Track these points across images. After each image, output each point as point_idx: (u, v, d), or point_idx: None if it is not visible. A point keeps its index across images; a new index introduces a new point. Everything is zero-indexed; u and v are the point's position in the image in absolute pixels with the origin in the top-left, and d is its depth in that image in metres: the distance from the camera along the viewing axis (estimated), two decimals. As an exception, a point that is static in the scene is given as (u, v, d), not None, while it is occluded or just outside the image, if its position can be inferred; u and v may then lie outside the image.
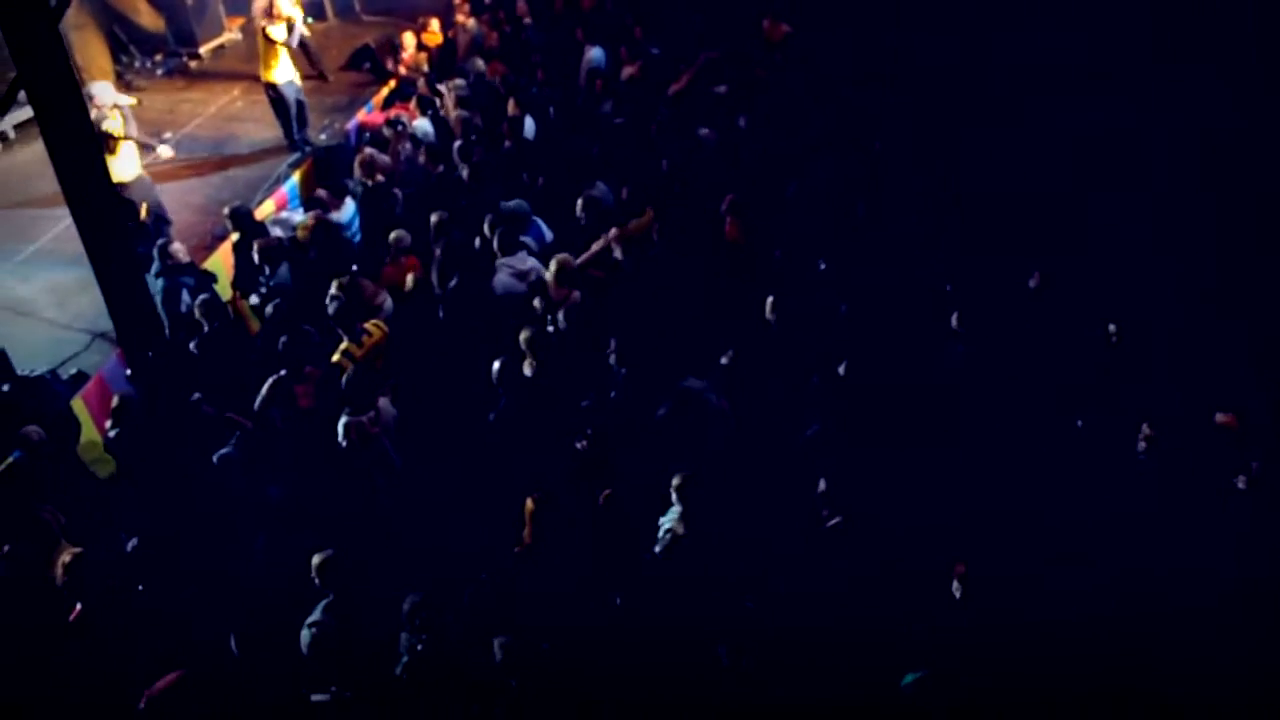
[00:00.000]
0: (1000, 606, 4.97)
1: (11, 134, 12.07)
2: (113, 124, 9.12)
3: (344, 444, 6.23)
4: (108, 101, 9.18)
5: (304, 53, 12.64)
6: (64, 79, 4.47)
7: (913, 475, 5.65)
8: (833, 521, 5.35)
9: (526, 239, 7.86)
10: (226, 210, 8.86)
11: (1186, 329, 6.54)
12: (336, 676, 4.74)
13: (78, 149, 4.69)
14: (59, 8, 3.85)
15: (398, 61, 12.24)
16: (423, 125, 10.25)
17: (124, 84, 13.26)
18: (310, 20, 12.50)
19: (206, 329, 7.34)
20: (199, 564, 5.61)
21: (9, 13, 4.13)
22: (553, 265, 7.19)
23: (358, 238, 8.83)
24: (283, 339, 6.72)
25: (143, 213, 9.51)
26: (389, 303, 7.41)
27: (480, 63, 11.15)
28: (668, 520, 5.58)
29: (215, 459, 6.12)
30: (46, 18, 4.21)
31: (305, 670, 4.81)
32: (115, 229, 5.09)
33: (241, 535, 5.91)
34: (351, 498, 6.15)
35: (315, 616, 4.93)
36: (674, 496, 5.53)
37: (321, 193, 9.00)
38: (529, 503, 5.46)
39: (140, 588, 5.55)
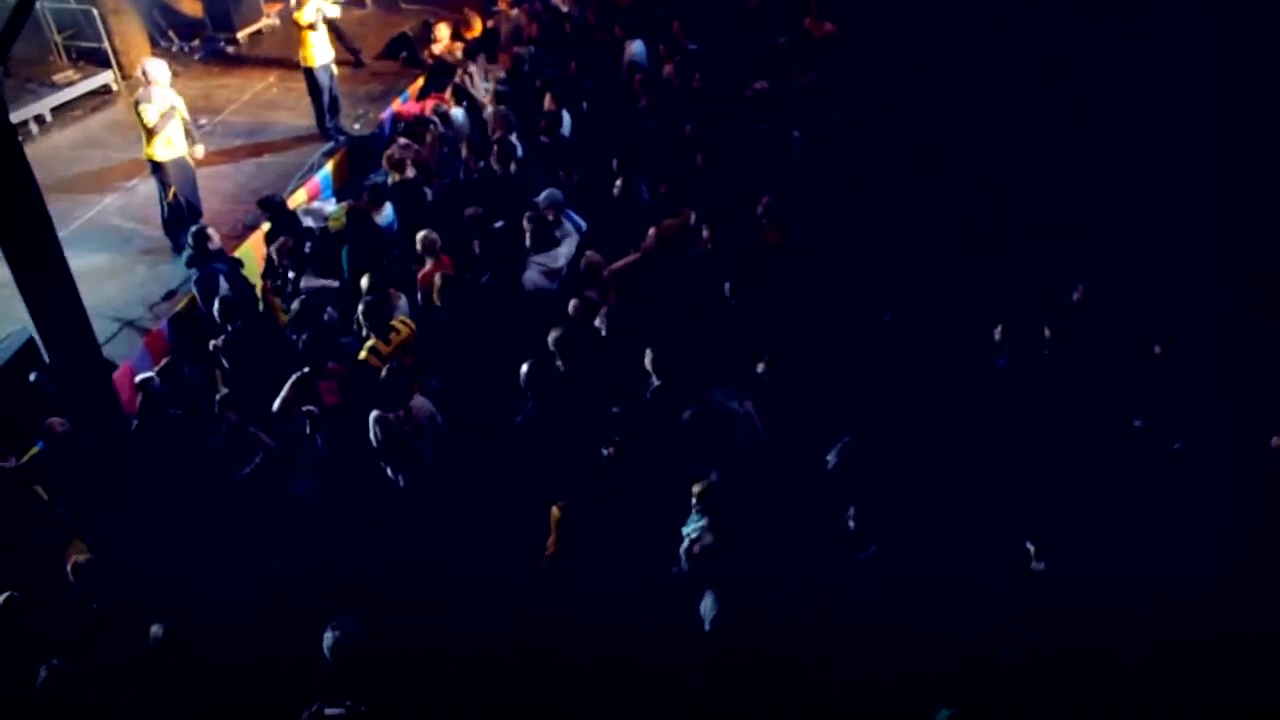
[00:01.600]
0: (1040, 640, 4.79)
1: (48, 116, 12.10)
2: (146, 108, 9.12)
3: (374, 441, 6.15)
4: (158, 80, 9.19)
5: (337, 37, 12.60)
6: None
7: (948, 491, 5.49)
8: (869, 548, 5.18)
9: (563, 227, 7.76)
10: (259, 199, 8.81)
11: (1238, 345, 6.31)
12: (355, 686, 4.63)
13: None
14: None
15: (433, 51, 12.12)
16: (457, 114, 10.13)
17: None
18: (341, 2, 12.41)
19: (233, 326, 7.26)
20: (210, 565, 5.52)
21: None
22: (585, 262, 7.07)
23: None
24: (304, 335, 6.63)
25: (170, 194, 9.54)
26: (403, 301, 7.31)
27: (520, 51, 11.02)
28: (690, 529, 5.44)
29: (235, 478, 6.03)
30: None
31: (319, 682, 4.70)
32: (42, 239, 4.90)
33: (259, 537, 5.82)
34: (378, 497, 6.05)
35: (339, 619, 4.82)
36: (695, 505, 5.38)
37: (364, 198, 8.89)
38: (555, 511, 5.34)
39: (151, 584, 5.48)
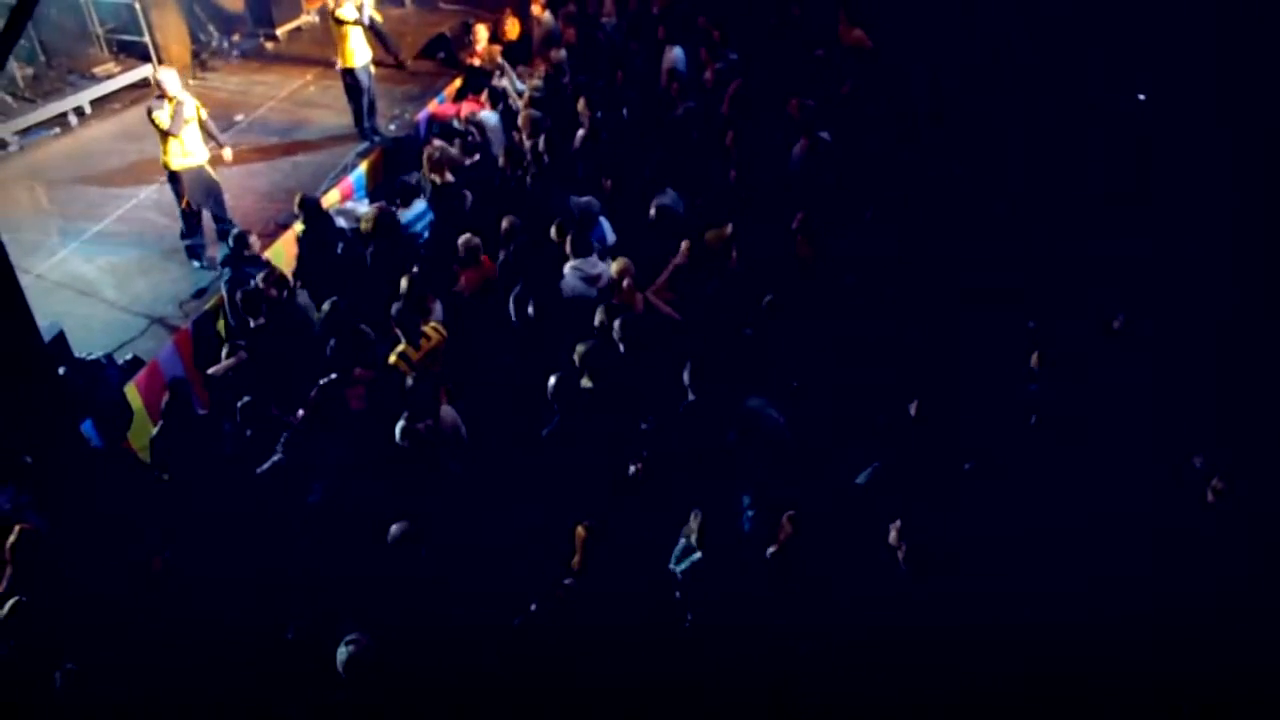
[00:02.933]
0: (1066, 665, 4.72)
1: (87, 108, 12.15)
2: (160, 115, 8.91)
3: (400, 450, 6.11)
4: (171, 91, 8.93)
5: (379, 40, 12.56)
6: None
7: (978, 519, 5.37)
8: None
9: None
10: (297, 198, 8.71)
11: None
12: (370, 702, 4.57)
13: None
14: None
15: (471, 53, 12.08)
16: (491, 120, 10.08)
17: (200, 63, 13.36)
18: (380, 4, 12.36)
19: (258, 322, 7.23)
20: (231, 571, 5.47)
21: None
22: (616, 267, 6.99)
23: (424, 235, 8.65)
24: (332, 341, 6.58)
25: (182, 203, 9.35)
26: (438, 306, 7.25)
27: (557, 54, 10.97)
28: (680, 565, 5.34)
29: (261, 469, 5.98)
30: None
31: (332, 696, 4.64)
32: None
33: (278, 544, 5.76)
34: (400, 507, 5.98)
35: (354, 635, 4.76)
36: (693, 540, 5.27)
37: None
38: (580, 530, 5.25)
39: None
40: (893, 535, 5.13)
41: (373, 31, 12.02)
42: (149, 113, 9.02)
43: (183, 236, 9.57)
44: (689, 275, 7.18)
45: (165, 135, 9.03)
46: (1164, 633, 4.75)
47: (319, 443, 6.26)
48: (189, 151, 9.20)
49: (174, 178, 9.35)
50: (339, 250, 8.47)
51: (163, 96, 8.96)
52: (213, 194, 9.50)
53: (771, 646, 4.91)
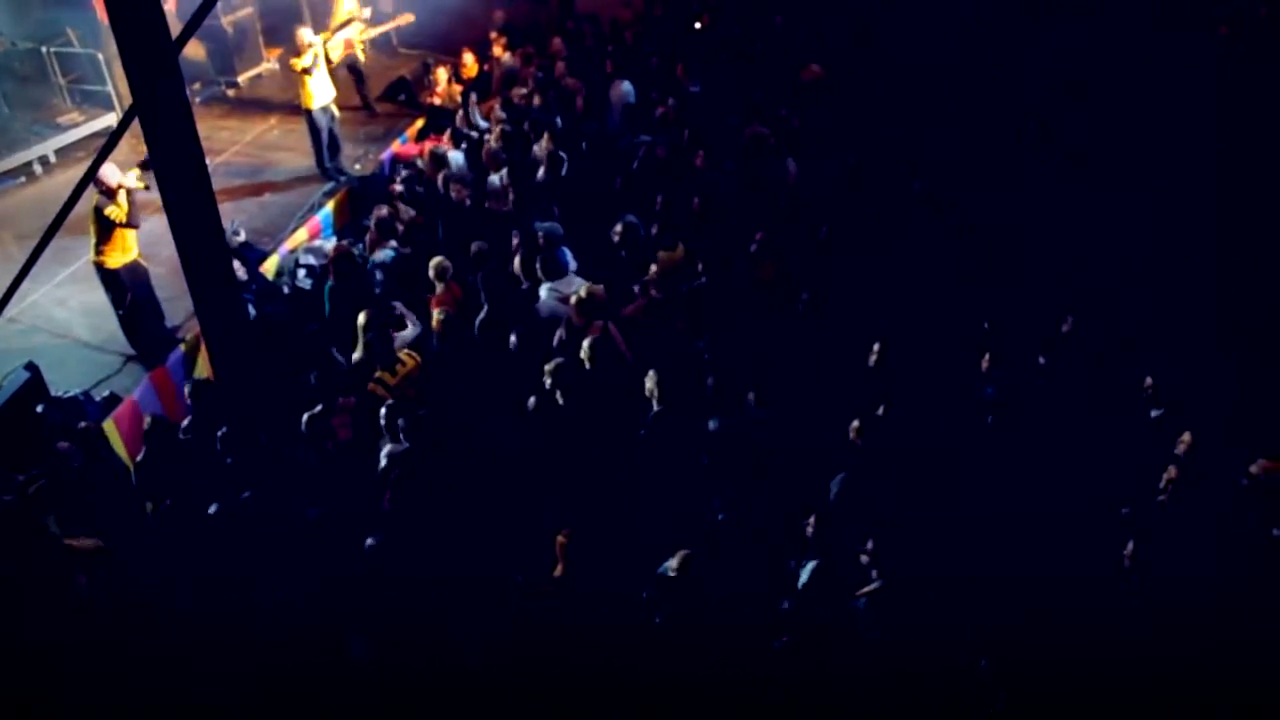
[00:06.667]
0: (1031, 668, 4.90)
1: (52, 158, 12.27)
2: (114, 210, 8.34)
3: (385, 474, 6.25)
4: (113, 182, 8.29)
5: (357, 82, 13.03)
6: (180, 116, 4.27)
7: (939, 524, 5.61)
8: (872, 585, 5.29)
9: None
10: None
11: (1227, 374, 6.41)
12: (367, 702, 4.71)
13: (186, 184, 4.48)
14: (179, 42, 3.82)
15: (431, 93, 12.35)
16: (456, 157, 10.31)
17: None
18: (359, 40, 12.60)
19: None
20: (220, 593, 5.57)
21: (130, 48, 3.99)
22: (581, 293, 7.20)
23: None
24: (313, 373, 6.75)
25: (127, 299, 8.85)
26: (409, 331, 7.52)
27: (517, 93, 11.25)
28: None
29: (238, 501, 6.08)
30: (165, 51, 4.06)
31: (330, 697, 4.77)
32: (219, 263, 4.78)
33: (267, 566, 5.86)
34: (390, 524, 6.12)
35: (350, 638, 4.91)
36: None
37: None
38: (560, 538, 5.43)
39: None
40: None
41: (354, 74, 12.37)
42: (100, 210, 8.29)
43: (129, 334, 9.02)
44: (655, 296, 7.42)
45: (114, 230, 8.44)
46: (1138, 632, 4.92)
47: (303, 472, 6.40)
48: (128, 247, 8.65)
49: (110, 277, 8.69)
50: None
51: (109, 191, 8.28)
52: (148, 284, 8.96)
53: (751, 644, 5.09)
